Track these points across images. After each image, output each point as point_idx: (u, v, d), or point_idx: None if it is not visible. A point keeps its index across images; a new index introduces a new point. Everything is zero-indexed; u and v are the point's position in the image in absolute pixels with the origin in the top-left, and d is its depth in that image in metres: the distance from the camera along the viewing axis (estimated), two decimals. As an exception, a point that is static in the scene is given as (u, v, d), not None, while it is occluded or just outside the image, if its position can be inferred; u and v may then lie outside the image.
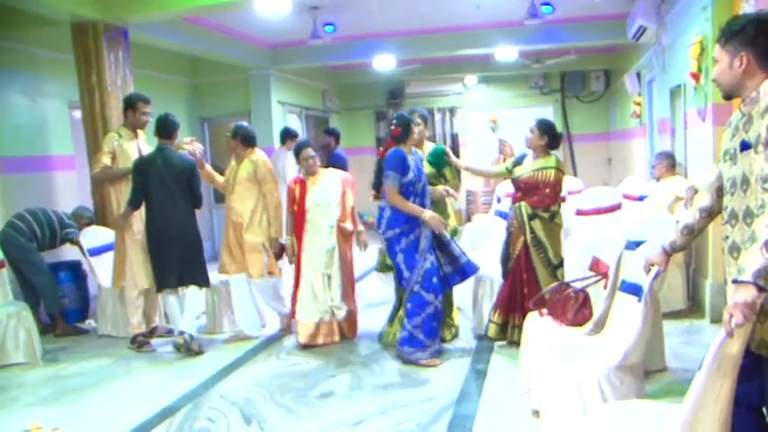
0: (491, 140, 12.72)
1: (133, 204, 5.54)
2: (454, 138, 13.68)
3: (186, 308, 5.65)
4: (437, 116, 13.60)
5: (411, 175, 4.91)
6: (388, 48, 10.00)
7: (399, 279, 5.11)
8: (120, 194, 5.78)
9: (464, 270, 5.11)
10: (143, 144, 5.96)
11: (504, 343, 5.12)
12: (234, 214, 5.62)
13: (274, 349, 5.58)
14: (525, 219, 4.90)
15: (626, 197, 7.19)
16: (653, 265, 3.06)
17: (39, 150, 7.28)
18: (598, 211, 6.95)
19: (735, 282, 2.27)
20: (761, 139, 2.33)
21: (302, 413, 4.15)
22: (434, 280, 4.91)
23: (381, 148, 5.17)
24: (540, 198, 4.91)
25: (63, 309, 6.36)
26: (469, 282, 5.79)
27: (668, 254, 3.01)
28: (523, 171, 5.03)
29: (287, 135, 8.78)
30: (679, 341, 5.04)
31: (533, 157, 5.04)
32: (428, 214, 4.86)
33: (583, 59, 11.64)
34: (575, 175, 12.27)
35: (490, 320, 5.14)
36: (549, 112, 13.05)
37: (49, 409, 4.42)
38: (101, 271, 6.21)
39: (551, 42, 9.69)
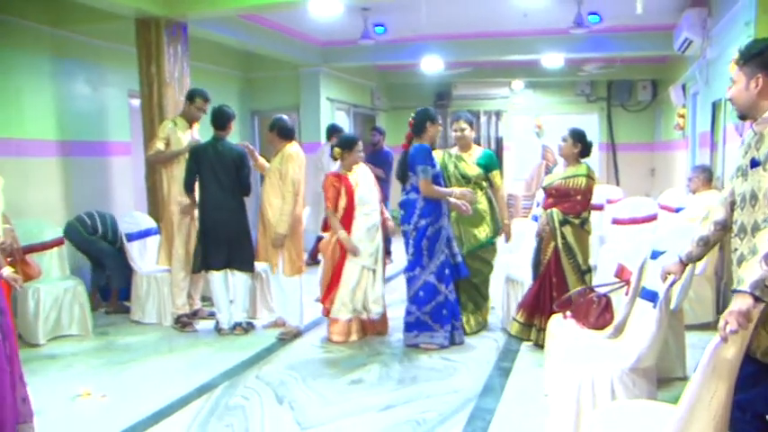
0: (535, 145, 12.80)
1: (187, 187, 5.84)
2: (499, 141, 13.78)
3: (237, 298, 5.96)
4: (483, 119, 13.70)
5: (438, 168, 5.34)
6: (436, 50, 10.17)
7: (414, 266, 5.35)
8: (171, 179, 6.08)
9: (458, 269, 5.44)
10: (196, 135, 6.24)
11: (531, 344, 5.28)
12: (262, 204, 5.74)
13: (310, 337, 5.83)
14: (557, 224, 5.04)
15: (664, 208, 7.26)
16: (670, 274, 3.21)
17: (99, 136, 7.68)
18: (634, 221, 7.05)
19: (734, 291, 2.42)
20: None
21: (332, 397, 4.38)
22: (446, 271, 5.31)
23: (405, 142, 5.48)
24: (572, 204, 5.05)
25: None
26: (501, 282, 6.02)
27: (684, 264, 3.15)
28: (554, 178, 5.21)
29: (333, 131, 8.99)
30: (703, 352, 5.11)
31: (564, 165, 5.21)
32: (458, 191, 5.33)
33: (630, 68, 11.64)
34: (617, 184, 12.28)
35: (513, 318, 5.40)
36: (594, 119, 13.10)
37: (98, 378, 4.75)
38: (138, 256, 6.45)
39: (598, 51, 9.74)
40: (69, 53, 7.23)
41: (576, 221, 5.05)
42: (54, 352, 5.40)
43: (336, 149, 5.65)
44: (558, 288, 5.04)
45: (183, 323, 6.03)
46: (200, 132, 6.33)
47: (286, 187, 5.57)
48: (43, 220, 6.26)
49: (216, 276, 5.86)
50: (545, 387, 4.30)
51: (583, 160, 5.19)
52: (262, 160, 6.15)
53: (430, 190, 5.24)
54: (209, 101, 6.16)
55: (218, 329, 5.91)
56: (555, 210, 5.07)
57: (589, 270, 5.18)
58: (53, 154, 7.06)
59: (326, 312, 5.66)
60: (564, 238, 5.03)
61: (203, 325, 6.16)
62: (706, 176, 6.40)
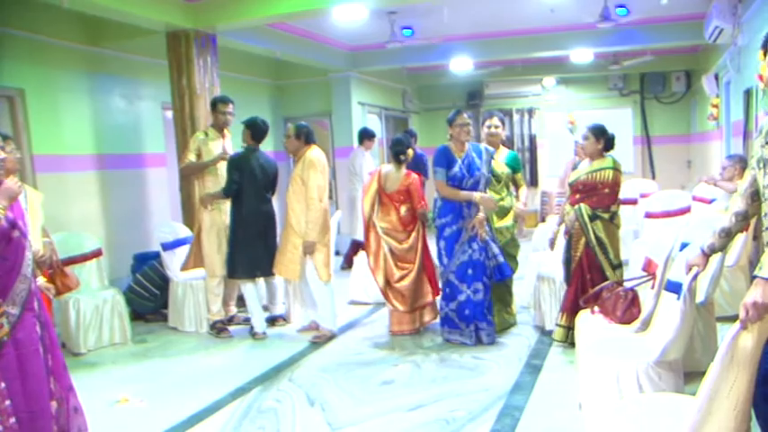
0: (569, 142, 12.70)
1: (227, 193, 5.92)
2: (532, 139, 13.71)
3: (275, 295, 6.30)
4: (515, 117, 13.65)
5: (456, 169, 5.35)
6: (464, 50, 10.18)
7: (440, 263, 5.54)
8: (203, 189, 6.18)
9: (501, 269, 5.46)
10: (229, 144, 6.32)
11: (563, 342, 5.21)
12: (286, 211, 5.80)
13: (344, 339, 5.90)
14: (587, 220, 4.96)
15: (698, 200, 7.17)
16: (693, 267, 3.19)
17: (134, 148, 7.88)
18: (667, 215, 6.97)
19: (754, 277, 2.40)
20: None
21: (363, 398, 4.43)
22: (469, 272, 5.34)
23: None
24: (600, 198, 4.96)
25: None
26: (532, 280, 6.01)
27: (707, 255, 3.13)
28: (580, 174, 5.12)
29: (365, 135, 9.05)
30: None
31: (589, 162, 5.13)
32: (478, 195, 5.31)
33: (663, 60, 11.48)
34: (653, 177, 12.14)
35: (557, 324, 5.25)
36: (627, 113, 13.01)
37: (136, 384, 4.88)
38: (174, 265, 6.50)
39: (627, 44, 9.63)
40: (104, 69, 7.45)
41: (606, 216, 4.95)
42: (94, 360, 5.56)
43: (411, 151, 5.97)
44: (595, 284, 4.88)
45: (219, 329, 6.14)
46: (233, 140, 6.45)
47: (309, 194, 5.62)
48: (82, 233, 6.43)
49: (248, 283, 5.99)
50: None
51: (608, 153, 5.12)
52: None
53: (443, 191, 5.40)
54: (230, 103, 6.24)
55: (252, 334, 6.03)
56: (583, 205, 4.98)
57: (620, 265, 5.10)
58: (91, 168, 7.28)
59: (436, 293, 5.91)
60: (595, 233, 4.94)
61: (238, 330, 6.26)
62: (742, 166, 6.26)
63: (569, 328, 5.07)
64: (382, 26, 8.48)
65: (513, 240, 5.88)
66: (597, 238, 4.95)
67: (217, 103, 6.24)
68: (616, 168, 4.99)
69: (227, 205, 6.09)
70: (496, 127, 5.83)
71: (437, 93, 13.86)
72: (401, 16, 8.37)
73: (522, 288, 6.45)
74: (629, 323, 4.04)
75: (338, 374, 4.92)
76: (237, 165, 5.90)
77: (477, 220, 5.31)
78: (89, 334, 5.78)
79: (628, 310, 4.07)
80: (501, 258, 5.45)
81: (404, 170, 5.93)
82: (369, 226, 5.94)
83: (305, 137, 5.78)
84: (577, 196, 5.11)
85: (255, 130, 6.02)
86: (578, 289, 5.04)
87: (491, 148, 5.63)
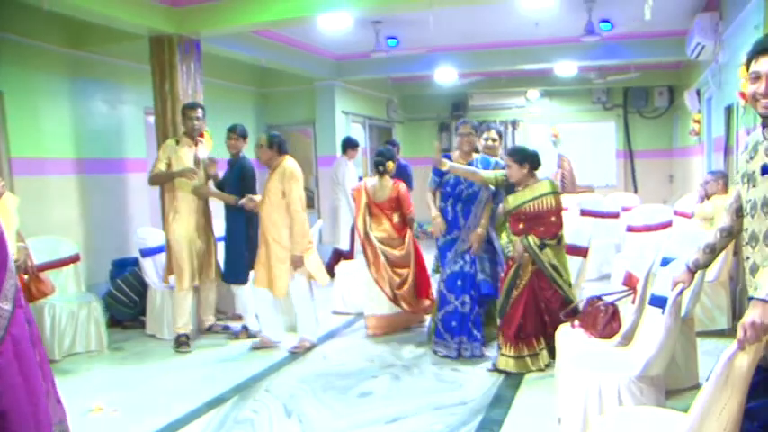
0: (552, 155, 12.75)
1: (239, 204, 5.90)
2: (516, 151, 13.72)
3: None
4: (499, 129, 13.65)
5: (447, 178, 5.39)
6: (449, 61, 10.21)
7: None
8: (173, 200, 5.97)
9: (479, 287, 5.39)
10: (203, 151, 6.12)
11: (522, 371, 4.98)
12: (263, 224, 5.65)
13: (323, 349, 5.84)
14: (537, 250, 4.80)
15: (679, 215, 7.20)
16: (679, 283, 3.17)
17: (115, 153, 7.80)
18: (649, 229, 6.99)
19: (750, 299, 2.37)
20: None
21: (340, 410, 4.37)
22: (459, 283, 5.33)
23: None
24: (547, 228, 4.80)
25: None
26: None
27: (692, 271, 3.11)
28: (518, 201, 4.91)
29: (348, 144, 9.01)
30: (716, 360, 5.02)
31: (523, 187, 4.93)
32: (434, 213, 5.43)
33: (646, 75, 11.58)
34: (635, 191, 12.22)
35: (509, 355, 4.93)
36: (611, 127, 13.15)
37: (111, 393, 4.78)
38: (152, 272, 6.39)
39: (611, 58, 9.72)
40: (87, 73, 7.37)
41: (553, 242, 4.83)
42: (68, 367, 5.45)
43: (390, 163, 6.09)
44: (556, 307, 4.81)
45: (180, 342, 5.86)
46: (219, 146, 6.42)
47: (294, 207, 5.51)
48: (60, 238, 6.32)
49: (244, 294, 6.09)
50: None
51: (542, 175, 5.00)
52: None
53: (426, 198, 5.57)
54: (199, 108, 6.07)
55: (236, 335, 6.16)
56: (531, 236, 4.80)
57: (570, 284, 5.00)
58: (71, 171, 7.19)
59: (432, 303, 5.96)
60: (549, 260, 4.81)
61: (216, 339, 6.18)
62: (724, 182, 6.28)
63: (532, 355, 4.92)
64: (367, 35, 8.48)
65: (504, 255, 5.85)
66: (552, 264, 4.83)
67: (184, 110, 6.11)
68: (555, 192, 4.87)
69: (199, 216, 6.07)
70: (494, 140, 5.83)
71: (422, 103, 13.88)
72: (386, 26, 8.37)
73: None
74: (609, 337, 4.02)
75: (316, 385, 4.86)
76: (254, 175, 6.11)
77: (474, 235, 5.28)
78: (64, 340, 5.68)
79: (608, 324, 4.06)
80: (480, 276, 5.34)
81: (389, 180, 6.07)
82: (364, 239, 6.03)
83: (278, 147, 5.66)
84: (521, 226, 4.90)
85: (246, 136, 6.19)
86: (531, 315, 4.88)
87: (502, 162, 5.44)
